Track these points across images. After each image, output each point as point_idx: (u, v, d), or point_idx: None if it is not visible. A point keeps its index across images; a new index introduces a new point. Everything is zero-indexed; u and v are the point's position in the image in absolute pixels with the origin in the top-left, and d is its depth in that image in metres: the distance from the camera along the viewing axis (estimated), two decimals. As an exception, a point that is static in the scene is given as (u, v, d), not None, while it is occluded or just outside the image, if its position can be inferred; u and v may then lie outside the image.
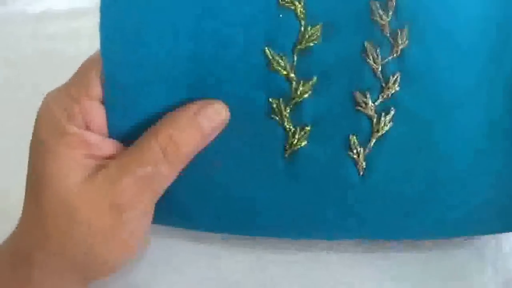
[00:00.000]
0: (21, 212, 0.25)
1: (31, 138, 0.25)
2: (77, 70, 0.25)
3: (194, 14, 0.25)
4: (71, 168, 0.23)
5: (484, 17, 0.25)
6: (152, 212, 0.26)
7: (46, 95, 0.25)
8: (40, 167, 0.23)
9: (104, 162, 0.24)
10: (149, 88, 0.25)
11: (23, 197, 0.25)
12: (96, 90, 0.24)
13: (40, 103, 0.25)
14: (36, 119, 0.24)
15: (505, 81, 0.26)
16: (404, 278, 0.29)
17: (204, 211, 0.29)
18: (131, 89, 0.25)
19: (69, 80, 0.25)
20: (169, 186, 0.25)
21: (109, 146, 0.25)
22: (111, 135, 0.25)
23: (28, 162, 0.24)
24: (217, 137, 0.26)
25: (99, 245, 0.24)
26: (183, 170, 0.25)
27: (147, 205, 0.24)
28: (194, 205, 0.29)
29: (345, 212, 0.27)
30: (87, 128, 0.24)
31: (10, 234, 0.25)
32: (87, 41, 0.25)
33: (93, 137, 0.24)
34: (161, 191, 0.25)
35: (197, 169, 0.27)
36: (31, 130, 0.25)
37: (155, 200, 0.25)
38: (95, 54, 0.25)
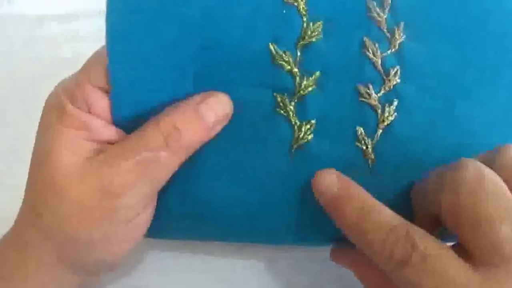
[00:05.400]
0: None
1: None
2: (87, 60, 0.25)
3: (199, 9, 0.25)
4: (68, 149, 0.23)
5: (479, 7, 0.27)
6: (151, 207, 0.25)
7: (58, 82, 0.25)
8: (41, 145, 0.24)
9: (104, 147, 0.24)
10: (154, 80, 0.25)
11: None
12: (99, 78, 0.24)
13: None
14: (45, 103, 0.25)
15: (509, 69, 0.27)
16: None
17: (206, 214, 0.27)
18: (136, 81, 0.25)
19: (79, 69, 0.25)
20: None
21: (110, 131, 0.25)
22: (116, 123, 0.25)
23: (34, 144, 0.24)
24: (221, 133, 0.26)
25: (86, 229, 0.23)
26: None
27: (143, 195, 0.23)
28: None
29: None
30: (89, 112, 0.24)
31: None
32: (85, 43, 0.25)
33: (94, 121, 0.24)
34: (159, 182, 0.24)
35: (200, 166, 0.26)
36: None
37: (153, 191, 0.24)
38: (102, 47, 0.25)
